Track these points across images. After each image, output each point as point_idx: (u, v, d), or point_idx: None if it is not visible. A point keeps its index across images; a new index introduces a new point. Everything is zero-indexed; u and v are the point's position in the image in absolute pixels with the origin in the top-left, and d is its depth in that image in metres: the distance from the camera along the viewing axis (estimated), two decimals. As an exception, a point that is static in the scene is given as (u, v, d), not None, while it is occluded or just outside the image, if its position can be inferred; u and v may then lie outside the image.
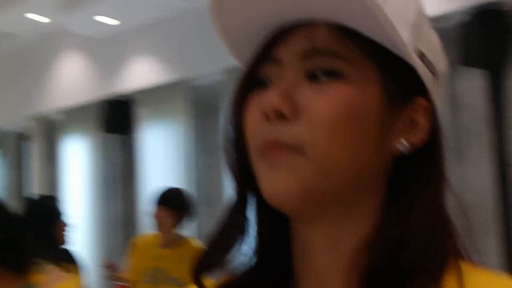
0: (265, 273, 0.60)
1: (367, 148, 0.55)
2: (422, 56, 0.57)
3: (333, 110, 0.53)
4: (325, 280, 0.58)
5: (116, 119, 5.10)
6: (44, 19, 5.11)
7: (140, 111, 4.94)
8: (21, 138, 6.39)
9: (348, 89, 0.54)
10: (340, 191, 0.55)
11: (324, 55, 0.54)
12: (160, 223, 3.01)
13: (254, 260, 0.61)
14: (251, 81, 0.58)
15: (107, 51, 5.06)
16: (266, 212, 0.59)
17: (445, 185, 0.58)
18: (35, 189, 5.72)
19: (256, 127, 0.56)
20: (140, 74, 4.83)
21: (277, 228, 0.60)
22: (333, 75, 0.54)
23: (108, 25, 4.75)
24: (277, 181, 0.54)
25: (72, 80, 5.38)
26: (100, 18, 4.61)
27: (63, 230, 2.97)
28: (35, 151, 5.94)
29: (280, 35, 0.56)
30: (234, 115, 0.59)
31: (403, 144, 0.57)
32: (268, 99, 0.54)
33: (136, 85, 4.85)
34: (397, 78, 0.56)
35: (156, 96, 4.76)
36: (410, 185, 0.57)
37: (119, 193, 5.12)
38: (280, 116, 0.53)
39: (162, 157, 4.76)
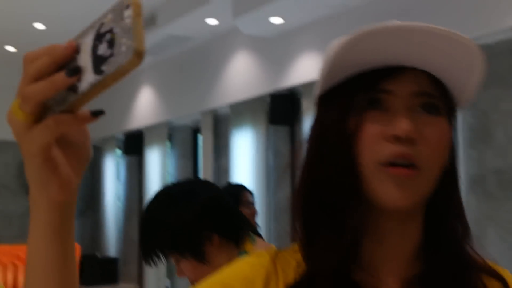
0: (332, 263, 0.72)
1: (443, 164, 0.73)
2: None
3: (442, 138, 0.71)
4: (391, 266, 0.74)
5: (281, 111, 5.42)
6: (219, 23, 5.57)
7: (304, 104, 5.21)
8: (193, 131, 6.95)
9: (445, 121, 0.73)
10: (426, 197, 0.73)
11: (429, 96, 0.72)
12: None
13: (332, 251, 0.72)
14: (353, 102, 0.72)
15: (273, 49, 5.40)
16: (357, 210, 0.71)
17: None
18: (206, 178, 6.20)
19: (378, 144, 0.70)
20: (304, 69, 5.10)
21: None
22: (435, 109, 0.72)
23: (275, 25, 5.09)
24: (401, 194, 0.69)
25: (241, 77, 5.80)
26: (271, 19, 4.96)
27: (252, 216, 3.19)
28: (205, 143, 6.43)
29: (390, 73, 0.71)
30: (347, 129, 0.72)
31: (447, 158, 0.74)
32: (401, 125, 0.69)
33: (300, 79, 5.12)
34: (452, 115, 0.76)
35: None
36: (444, 193, 0.75)
37: (285, 181, 5.42)
38: (410, 139, 0.69)
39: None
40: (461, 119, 4.03)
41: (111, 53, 0.49)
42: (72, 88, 0.52)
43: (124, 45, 0.48)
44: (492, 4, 3.83)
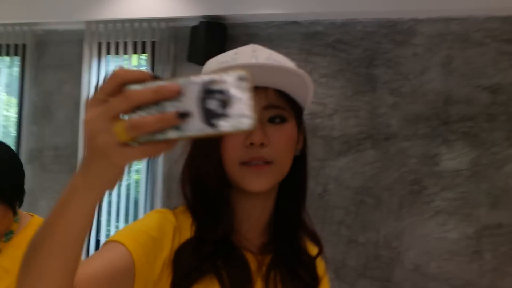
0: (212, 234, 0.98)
1: (292, 156, 1.02)
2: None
3: (286, 139, 0.99)
4: (255, 230, 1.05)
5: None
6: None
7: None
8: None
9: (290, 126, 1.00)
10: (279, 181, 1.02)
11: (276, 107, 0.98)
12: None
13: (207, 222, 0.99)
14: None
15: None
16: (226, 194, 1.01)
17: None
18: None
19: (239, 148, 0.96)
20: None
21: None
22: (281, 118, 0.99)
23: None
24: (260, 182, 0.97)
25: None
26: None
27: None
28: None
29: None
30: (213, 140, 0.97)
31: (297, 150, 1.04)
32: (255, 136, 0.95)
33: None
34: (299, 118, 1.04)
35: None
36: (297, 175, 1.05)
37: None
38: (262, 144, 0.96)
39: None
40: (27, 96, 4.22)
41: (223, 112, 0.56)
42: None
43: (242, 113, 0.56)
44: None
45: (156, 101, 0.57)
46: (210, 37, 3.78)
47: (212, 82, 0.57)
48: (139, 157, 0.59)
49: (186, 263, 0.94)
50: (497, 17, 3.60)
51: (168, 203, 3.82)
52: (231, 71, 0.57)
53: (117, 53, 4.05)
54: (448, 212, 3.60)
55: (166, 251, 0.93)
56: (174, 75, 3.94)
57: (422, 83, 3.70)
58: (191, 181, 1.03)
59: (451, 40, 3.68)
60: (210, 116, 0.57)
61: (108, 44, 4.07)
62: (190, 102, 0.57)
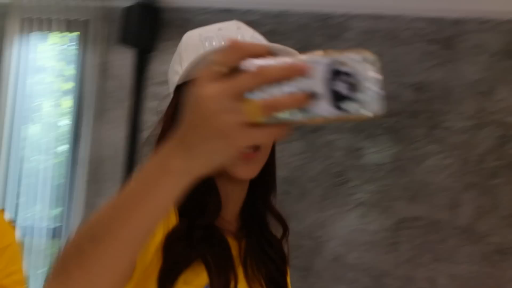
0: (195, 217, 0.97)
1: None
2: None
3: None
4: (232, 215, 1.05)
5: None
6: None
7: None
8: None
9: None
10: None
11: None
12: None
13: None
14: None
15: None
16: (211, 178, 0.99)
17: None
18: None
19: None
20: None
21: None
22: None
23: None
24: (250, 169, 0.98)
25: None
26: None
27: None
28: None
29: None
30: None
31: None
32: None
33: None
34: None
35: None
36: (268, 162, 1.06)
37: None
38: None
39: None
40: None
41: (351, 96, 0.53)
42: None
43: (372, 98, 0.53)
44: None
45: (285, 79, 0.54)
46: (144, 19, 3.71)
47: (340, 63, 0.54)
48: (264, 140, 0.56)
49: (176, 250, 0.91)
50: (424, 17, 3.73)
51: (95, 188, 3.75)
52: (356, 53, 0.55)
53: (46, 29, 3.89)
54: (369, 204, 3.72)
55: (158, 237, 0.91)
56: (105, 56, 3.85)
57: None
58: None
59: (380, 37, 3.78)
60: (337, 99, 0.54)
61: (35, 20, 3.90)
62: (316, 83, 0.54)
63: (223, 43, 0.96)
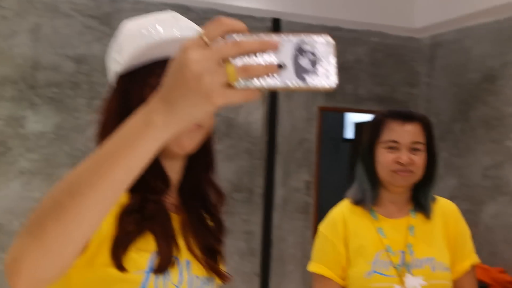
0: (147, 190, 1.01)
1: None
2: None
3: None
4: (172, 190, 1.09)
5: None
6: None
7: None
8: None
9: None
10: None
11: None
12: None
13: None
14: None
15: None
16: (155, 158, 1.00)
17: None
18: None
19: None
20: None
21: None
22: None
23: None
24: (192, 143, 1.03)
25: None
26: None
27: None
28: None
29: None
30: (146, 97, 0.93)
31: None
32: None
33: None
34: None
35: None
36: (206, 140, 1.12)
37: None
38: None
39: None
40: None
41: (312, 70, 0.63)
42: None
43: (327, 73, 0.64)
44: None
45: (259, 51, 0.63)
46: None
47: (305, 43, 0.65)
48: (238, 99, 0.63)
49: (130, 221, 0.98)
50: (84, -7, 3.90)
51: None
52: (319, 35, 0.65)
53: None
54: (31, 172, 3.79)
55: (117, 206, 0.98)
56: None
57: (10, 46, 3.78)
58: None
59: (40, 8, 3.83)
60: (301, 71, 0.64)
61: None
62: (285, 57, 0.64)
63: (161, 32, 1.04)
